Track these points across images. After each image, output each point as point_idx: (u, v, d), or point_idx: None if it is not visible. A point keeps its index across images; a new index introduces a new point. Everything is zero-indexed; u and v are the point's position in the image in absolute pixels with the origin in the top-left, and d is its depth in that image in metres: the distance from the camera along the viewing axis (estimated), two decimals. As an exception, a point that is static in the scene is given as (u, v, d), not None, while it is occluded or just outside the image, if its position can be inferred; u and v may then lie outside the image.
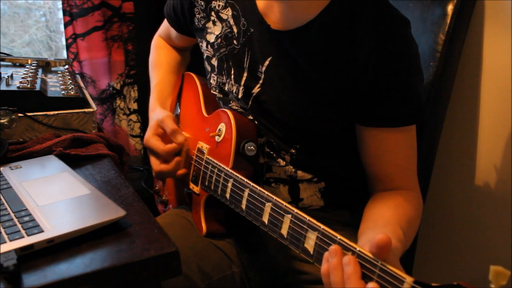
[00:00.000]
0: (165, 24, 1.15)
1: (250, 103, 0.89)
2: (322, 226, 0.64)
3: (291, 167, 0.90)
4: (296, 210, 0.68)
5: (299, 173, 0.90)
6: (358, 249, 0.58)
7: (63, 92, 1.08)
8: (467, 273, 1.20)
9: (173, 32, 1.12)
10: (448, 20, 1.01)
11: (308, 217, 0.66)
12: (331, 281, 0.59)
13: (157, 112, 0.99)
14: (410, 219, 0.78)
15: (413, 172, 0.85)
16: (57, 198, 0.71)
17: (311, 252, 0.65)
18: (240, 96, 0.91)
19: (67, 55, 1.75)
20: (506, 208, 1.09)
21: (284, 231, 0.70)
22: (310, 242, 0.65)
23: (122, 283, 0.58)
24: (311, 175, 0.90)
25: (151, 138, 0.95)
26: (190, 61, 1.23)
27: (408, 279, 0.52)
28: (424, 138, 1.03)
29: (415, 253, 1.18)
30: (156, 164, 0.95)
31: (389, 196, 0.82)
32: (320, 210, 0.93)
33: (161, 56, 1.17)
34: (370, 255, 0.56)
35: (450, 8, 1.01)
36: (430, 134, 1.07)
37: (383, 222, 0.73)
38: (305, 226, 0.66)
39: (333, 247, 0.60)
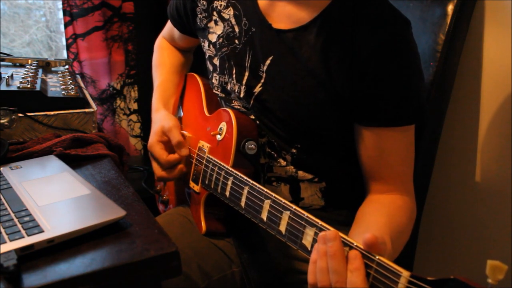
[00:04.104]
0: (168, 25, 1.16)
1: (252, 102, 0.89)
2: (320, 222, 0.64)
3: (292, 167, 0.90)
4: (294, 207, 0.68)
5: (300, 173, 0.90)
6: (355, 244, 0.58)
7: (63, 92, 1.08)
8: (467, 272, 1.20)
9: (176, 33, 1.13)
10: (448, 20, 1.01)
11: (306, 213, 0.66)
12: (317, 267, 0.59)
13: (162, 116, 0.99)
14: (402, 229, 0.78)
15: (409, 176, 0.85)
16: (57, 198, 0.71)
17: (309, 248, 0.65)
18: (242, 95, 0.91)
19: (67, 55, 1.75)
20: (506, 207, 1.09)
21: (283, 227, 0.70)
22: (308, 238, 0.65)
23: (122, 283, 0.58)
24: (312, 175, 0.90)
25: (155, 145, 0.95)
26: (192, 61, 1.23)
27: (405, 273, 0.52)
28: (424, 138, 1.03)
29: (416, 252, 1.18)
30: (158, 170, 0.95)
31: (384, 202, 0.82)
32: (321, 210, 0.93)
33: (164, 56, 1.18)
34: (367, 249, 0.57)
35: (450, 8, 1.01)
36: (430, 134, 1.07)
37: (376, 230, 0.72)
38: (303, 222, 0.66)
39: (324, 233, 0.60)
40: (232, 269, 0.95)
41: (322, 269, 0.59)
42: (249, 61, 0.89)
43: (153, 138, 0.96)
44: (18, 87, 1.01)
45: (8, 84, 1.03)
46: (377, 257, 0.55)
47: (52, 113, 1.01)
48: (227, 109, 0.91)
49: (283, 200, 0.71)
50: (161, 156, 0.93)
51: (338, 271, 0.57)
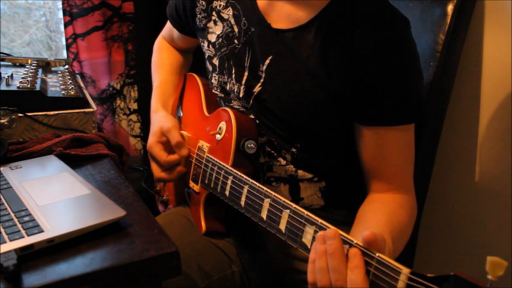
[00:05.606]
0: (168, 26, 1.16)
1: (251, 102, 0.89)
2: (320, 220, 0.64)
3: (292, 166, 0.90)
4: (294, 205, 0.68)
5: (300, 172, 0.90)
6: (355, 242, 0.58)
7: (63, 92, 1.08)
8: (467, 272, 1.20)
9: (175, 33, 1.13)
10: (448, 20, 1.01)
11: (306, 212, 0.66)
12: (316, 266, 0.59)
13: (161, 117, 0.99)
14: (402, 229, 0.78)
15: (409, 175, 0.85)
16: (57, 198, 0.71)
17: (309, 247, 0.65)
18: (241, 95, 0.91)
19: (67, 55, 1.75)
20: (506, 207, 1.09)
21: (282, 226, 0.70)
22: (307, 237, 0.65)
23: (122, 283, 0.58)
24: (311, 175, 0.90)
25: (155, 146, 0.94)
26: (192, 61, 1.23)
27: (405, 270, 0.52)
28: (424, 138, 1.03)
29: (416, 252, 1.18)
30: (157, 171, 0.95)
31: (384, 201, 0.82)
32: (321, 210, 0.93)
33: (163, 57, 1.18)
34: (366, 247, 0.57)
35: (450, 8, 1.01)
36: (430, 134, 1.07)
37: (376, 229, 0.72)
38: (303, 221, 0.66)
39: (323, 232, 0.60)
40: (232, 269, 0.95)
41: (321, 269, 0.59)
42: (249, 61, 0.89)
43: (152, 139, 0.96)
44: (18, 87, 1.01)
45: (8, 84, 1.03)
46: (376, 254, 0.55)
47: (52, 113, 1.01)
48: (227, 108, 0.91)
49: (283, 199, 0.71)
50: (161, 157, 0.93)
51: (338, 270, 0.57)
